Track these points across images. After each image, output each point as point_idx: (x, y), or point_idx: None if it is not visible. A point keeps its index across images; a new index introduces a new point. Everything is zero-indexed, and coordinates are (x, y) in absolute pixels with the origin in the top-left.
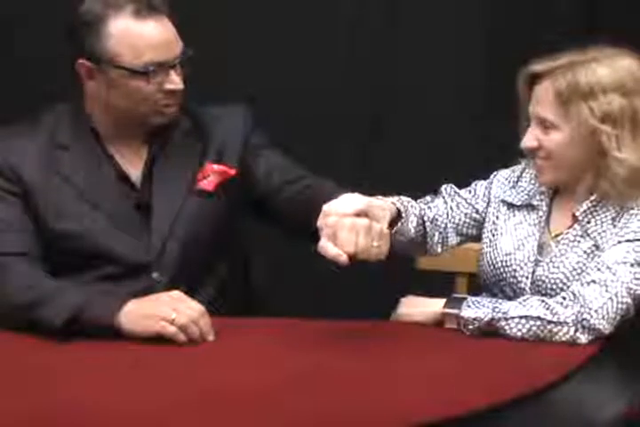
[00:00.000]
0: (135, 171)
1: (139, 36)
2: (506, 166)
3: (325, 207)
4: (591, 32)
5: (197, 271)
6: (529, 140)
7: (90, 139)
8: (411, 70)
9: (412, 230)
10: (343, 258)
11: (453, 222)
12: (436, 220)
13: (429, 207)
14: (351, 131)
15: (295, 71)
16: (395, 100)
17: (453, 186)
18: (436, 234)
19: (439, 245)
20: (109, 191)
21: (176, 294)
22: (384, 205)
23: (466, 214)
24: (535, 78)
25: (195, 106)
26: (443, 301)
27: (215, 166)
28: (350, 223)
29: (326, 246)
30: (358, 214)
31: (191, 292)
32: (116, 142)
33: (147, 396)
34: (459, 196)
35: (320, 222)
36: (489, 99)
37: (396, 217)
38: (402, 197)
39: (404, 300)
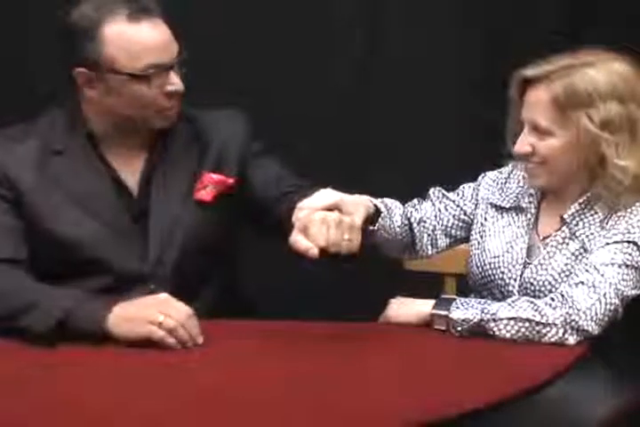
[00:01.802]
0: (132, 178)
1: (134, 40)
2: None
3: (299, 203)
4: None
5: (195, 281)
6: (523, 145)
7: (85, 144)
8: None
9: (397, 229)
10: (314, 251)
11: (442, 224)
12: (424, 222)
13: (416, 209)
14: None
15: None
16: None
17: (441, 189)
18: (425, 236)
19: (429, 248)
20: (105, 198)
21: (163, 296)
22: (358, 201)
23: (454, 216)
24: (528, 83)
25: (191, 110)
26: (431, 302)
27: (214, 176)
28: (320, 217)
29: (297, 240)
30: (330, 209)
31: (188, 301)
32: (113, 148)
33: (145, 397)
34: (446, 198)
35: (294, 218)
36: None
37: (375, 214)
38: (385, 199)
39: (392, 301)
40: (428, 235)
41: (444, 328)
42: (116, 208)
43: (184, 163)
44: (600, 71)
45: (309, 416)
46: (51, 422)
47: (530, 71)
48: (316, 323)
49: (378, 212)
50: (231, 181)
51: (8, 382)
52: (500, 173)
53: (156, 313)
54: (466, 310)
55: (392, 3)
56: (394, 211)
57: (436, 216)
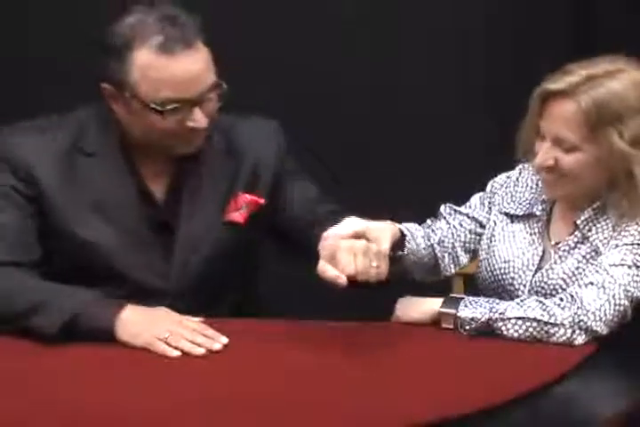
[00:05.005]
0: (159, 187)
1: (158, 73)
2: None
3: (325, 233)
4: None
5: (212, 296)
6: (546, 159)
7: (116, 148)
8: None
9: (423, 251)
10: (342, 280)
11: (460, 241)
12: (443, 242)
13: (433, 231)
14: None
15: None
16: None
17: (452, 205)
18: (446, 256)
19: (452, 266)
20: (128, 206)
21: (173, 313)
22: (384, 227)
23: (470, 231)
24: (551, 95)
25: (226, 120)
26: (440, 300)
27: (248, 196)
28: (348, 245)
29: (325, 268)
30: (356, 236)
31: (205, 315)
32: (143, 155)
33: (148, 398)
34: (459, 213)
35: (320, 246)
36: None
37: (401, 238)
38: (405, 223)
39: (401, 300)
40: (449, 254)
41: (451, 327)
42: (139, 217)
43: (217, 176)
44: (627, 85)
45: (311, 416)
46: (51, 422)
47: (553, 84)
48: (324, 322)
49: (403, 236)
50: (262, 201)
51: (8, 381)
52: (509, 177)
53: (163, 331)
54: (474, 309)
55: (397, 8)
56: (415, 234)
57: (452, 234)
